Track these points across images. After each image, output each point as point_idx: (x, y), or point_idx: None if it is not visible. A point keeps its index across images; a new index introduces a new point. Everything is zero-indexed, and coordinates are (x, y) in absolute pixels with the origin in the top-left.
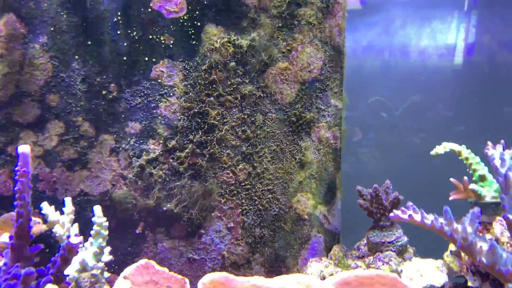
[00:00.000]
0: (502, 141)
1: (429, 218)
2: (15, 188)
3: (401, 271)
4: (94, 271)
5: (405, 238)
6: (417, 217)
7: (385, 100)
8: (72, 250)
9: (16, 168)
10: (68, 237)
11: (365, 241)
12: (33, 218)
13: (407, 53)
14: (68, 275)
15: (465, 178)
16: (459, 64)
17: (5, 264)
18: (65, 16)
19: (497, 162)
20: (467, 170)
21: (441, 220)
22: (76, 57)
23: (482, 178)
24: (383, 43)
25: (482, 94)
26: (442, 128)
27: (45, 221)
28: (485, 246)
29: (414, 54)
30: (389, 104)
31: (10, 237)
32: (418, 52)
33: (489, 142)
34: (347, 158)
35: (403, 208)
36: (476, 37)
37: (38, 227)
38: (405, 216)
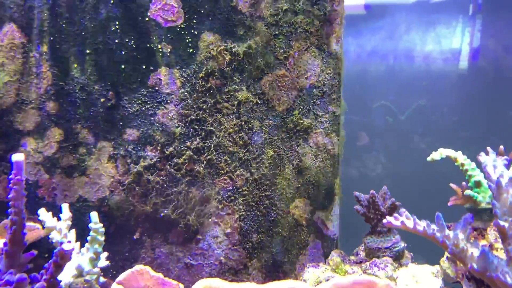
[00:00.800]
0: (501, 147)
1: (421, 224)
2: (9, 196)
3: (397, 277)
4: (87, 277)
5: (402, 244)
6: (409, 223)
7: (390, 104)
8: (65, 256)
9: (10, 176)
10: (61, 243)
11: (363, 247)
12: (32, 224)
13: (412, 58)
14: (61, 281)
15: (463, 183)
16: (464, 69)
17: None
18: (64, 25)
19: (489, 169)
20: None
21: (433, 226)
22: (75, 65)
23: (477, 184)
24: (388, 48)
25: (488, 98)
26: (447, 133)
27: (44, 227)
28: (476, 252)
29: (419, 59)
30: (395, 109)
31: (4, 244)
32: (423, 57)
33: (488, 148)
34: (352, 162)
35: (395, 215)
36: (481, 42)
37: (37, 232)
38: (398, 223)
